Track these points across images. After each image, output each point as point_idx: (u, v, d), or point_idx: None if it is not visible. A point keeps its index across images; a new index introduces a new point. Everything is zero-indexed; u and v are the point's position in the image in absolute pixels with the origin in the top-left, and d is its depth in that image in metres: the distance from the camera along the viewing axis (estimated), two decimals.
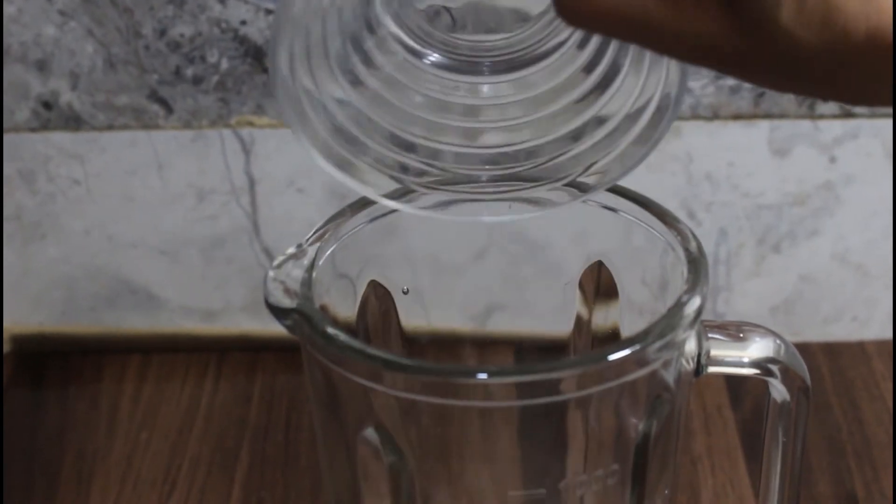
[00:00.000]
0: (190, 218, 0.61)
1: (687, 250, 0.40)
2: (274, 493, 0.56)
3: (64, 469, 0.57)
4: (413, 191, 0.40)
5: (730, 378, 0.61)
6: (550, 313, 0.47)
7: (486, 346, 0.59)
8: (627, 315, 0.45)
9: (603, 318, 0.46)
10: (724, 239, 0.62)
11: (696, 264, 0.39)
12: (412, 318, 0.46)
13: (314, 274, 0.40)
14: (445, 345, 0.57)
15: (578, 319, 0.46)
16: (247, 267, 0.62)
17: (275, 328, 0.60)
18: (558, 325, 0.47)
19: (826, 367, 0.63)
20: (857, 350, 0.64)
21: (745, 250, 0.62)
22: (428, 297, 0.47)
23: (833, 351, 0.64)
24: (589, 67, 0.38)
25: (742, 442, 0.58)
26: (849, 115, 0.59)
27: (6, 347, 0.64)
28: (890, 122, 0.59)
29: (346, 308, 0.43)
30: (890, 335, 0.64)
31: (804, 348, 0.43)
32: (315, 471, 0.56)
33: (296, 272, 0.40)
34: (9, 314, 0.64)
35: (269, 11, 0.56)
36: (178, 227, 0.62)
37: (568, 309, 0.46)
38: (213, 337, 0.64)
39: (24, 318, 0.64)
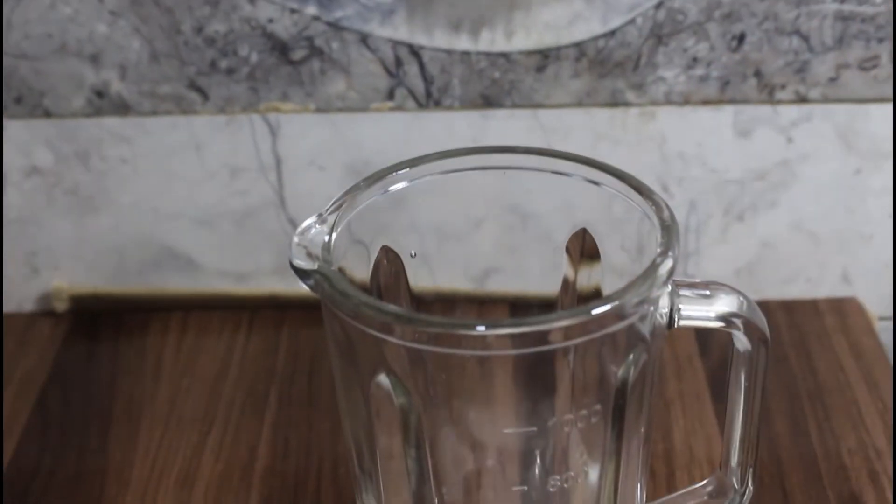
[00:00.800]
0: (224, 193, 0.61)
1: (661, 218, 0.40)
2: (299, 431, 0.56)
3: (116, 411, 0.57)
4: None
5: (699, 331, 0.61)
6: (541, 275, 0.47)
7: (484, 304, 0.59)
8: (608, 277, 0.44)
9: (586, 279, 0.45)
10: (694, 210, 0.62)
11: (669, 230, 0.39)
12: (419, 279, 0.46)
13: (333, 240, 0.40)
14: (448, 303, 0.57)
15: (565, 281, 0.46)
16: (274, 235, 0.62)
17: (299, 289, 0.60)
18: (547, 286, 0.47)
19: (783, 323, 0.63)
20: (811, 307, 0.64)
21: (712, 220, 0.62)
22: (433, 261, 0.46)
23: (789, 308, 0.64)
24: None
25: (710, 387, 0.58)
26: (804, 100, 0.59)
27: (66, 306, 0.64)
28: (840, 106, 0.59)
29: (361, 270, 0.43)
30: (840, 294, 0.64)
31: (764, 305, 0.43)
32: (335, 412, 0.56)
33: (317, 238, 0.39)
34: (67, 277, 0.64)
35: (293, 10, 0.56)
36: (213, 201, 0.62)
37: (556, 271, 0.46)
38: (245, 297, 0.64)
39: (80, 281, 0.64)
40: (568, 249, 0.45)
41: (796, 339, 0.61)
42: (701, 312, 0.40)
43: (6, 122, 0.59)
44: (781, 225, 0.62)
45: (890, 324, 0.66)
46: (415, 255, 0.45)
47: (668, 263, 0.38)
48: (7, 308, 0.64)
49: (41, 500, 0.52)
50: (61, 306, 0.64)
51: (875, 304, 0.65)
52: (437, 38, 0.57)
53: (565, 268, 0.46)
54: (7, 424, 0.57)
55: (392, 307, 0.37)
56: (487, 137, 0.60)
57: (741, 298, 0.41)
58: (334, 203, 0.41)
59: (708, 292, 0.40)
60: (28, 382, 0.59)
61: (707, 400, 0.57)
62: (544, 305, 0.47)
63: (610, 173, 0.42)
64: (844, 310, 0.64)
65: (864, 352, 0.60)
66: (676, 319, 0.40)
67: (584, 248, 0.45)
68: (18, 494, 0.53)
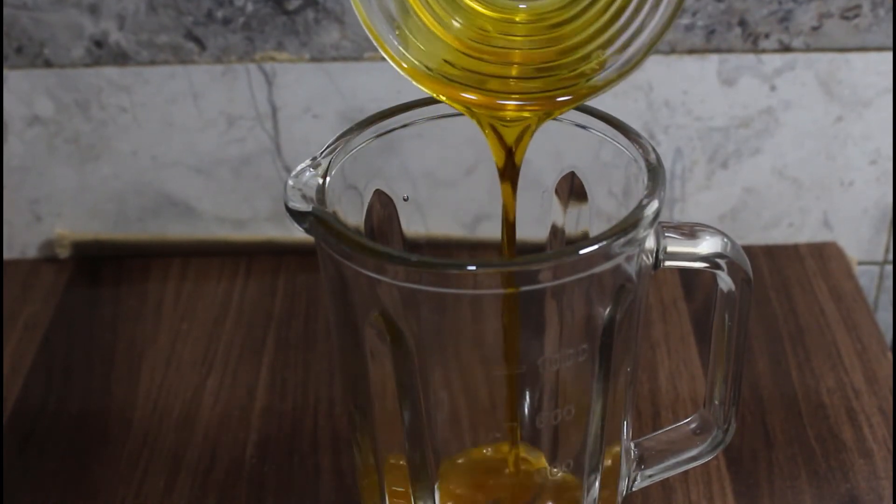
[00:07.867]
0: (221, 140, 0.61)
1: (647, 161, 0.39)
2: (296, 372, 0.56)
3: (118, 354, 0.57)
4: None
5: (683, 275, 0.61)
6: (530, 222, 0.46)
7: (475, 250, 0.59)
8: (596, 222, 0.44)
9: (575, 225, 0.45)
10: (680, 157, 0.61)
11: (655, 173, 0.39)
12: (412, 225, 0.45)
13: (327, 183, 0.39)
14: (440, 248, 0.56)
15: (553, 227, 0.46)
16: (271, 182, 0.62)
17: (295, 235, 0.59)
18: (537, 232, 0.46)
19: (766, 267, 0.62)
20: (792, 251, 0.64)
21: (697, 167, 0.62)
22: (425, 206, 0.46)
23: (772, 252, 0.64)
24: None
25: (694, 330, 0.58)
26: (787, 49, 0.58)
27: (68, 253, 0.63)
28: (822, 55, 0.58)
29: (354, 216, 0.42)
30: (820, 238, 0.64)
31: (747, 250, 0.43)
32: (330, 354, 0.56)
33: (311, 181, 0.39)
34: (69, 224, 0.63)
35: None
36: (211, 149, 0.61)
37: (545, 218, 0.46)
38: (242, 242, 0.64)
39: (82, 227, 0.63)
40: (557, 191, 0.45)
41: (778, 282, 0.61)
42: (686, 253, 0.40)
43: (7, 72, 0.58)
44: (764, 171, 0.62)
45: (868, 268, 0.65)
46: (407, 198, 0.44)
47: (655, 205, 0.37)
48: (11, 255, 0.64)
49: (46, 441, 0.52)
50: (64, 252, 0.64)
51: (854, 248, 0.64)
52: None
53: (554, 213, 0.45)
54: (13, 367, 0.56)
55: (385, 248, 0.36)
56: None
57: (725, 239, 0.40)
58: (328, 147, 0.40)
59: (693, 233, 0.40)
60: (32, 327, 0.59)
61: (691, 342, 0.57)
62: (534, 251, 0.47)
63: (597, 117, 0.41)
64: (825, 254, 0.63)
65: (844, 295, 0.60)
66: (662, 260, 0.40)
67: (572, 192, 0.44)
68: (24, 435, 0.52)
